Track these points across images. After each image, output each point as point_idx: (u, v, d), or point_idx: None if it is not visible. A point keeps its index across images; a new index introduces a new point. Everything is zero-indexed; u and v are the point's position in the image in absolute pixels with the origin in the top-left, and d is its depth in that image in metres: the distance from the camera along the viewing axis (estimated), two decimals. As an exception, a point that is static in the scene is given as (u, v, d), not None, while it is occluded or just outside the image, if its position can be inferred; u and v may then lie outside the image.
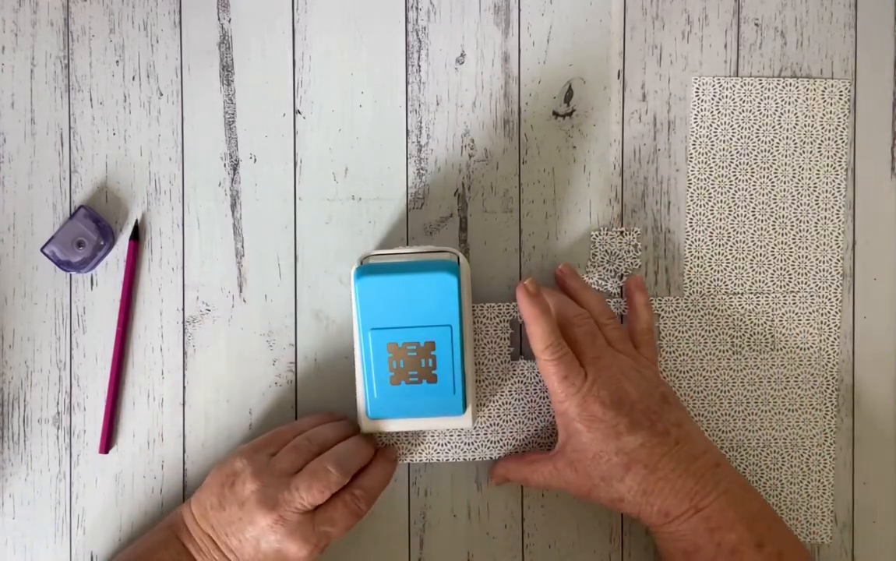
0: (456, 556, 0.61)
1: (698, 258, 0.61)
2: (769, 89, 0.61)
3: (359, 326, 0.54)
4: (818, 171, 0.61)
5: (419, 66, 0.61)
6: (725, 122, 0.61)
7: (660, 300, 0.61)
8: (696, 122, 0.61)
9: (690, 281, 0.61)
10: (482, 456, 0.61)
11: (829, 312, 0.61)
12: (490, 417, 0.61)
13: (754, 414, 0.61)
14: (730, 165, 0.61)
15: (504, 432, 0.61)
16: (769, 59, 0.61)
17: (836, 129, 0.61)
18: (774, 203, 0.61)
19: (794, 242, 0.61)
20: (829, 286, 0.61)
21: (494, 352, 0.61)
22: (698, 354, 0.61)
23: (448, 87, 0.61)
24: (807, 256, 0.61)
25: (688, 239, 0.61)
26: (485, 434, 0.61)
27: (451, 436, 0.61)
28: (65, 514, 0.60)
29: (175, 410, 0.61)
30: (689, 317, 0.61)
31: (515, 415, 0.61)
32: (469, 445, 0.61)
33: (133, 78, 0.61)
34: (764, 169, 0.61)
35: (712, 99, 0.61)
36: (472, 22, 0.61)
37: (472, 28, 0.61)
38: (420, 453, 0.61)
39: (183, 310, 0.61)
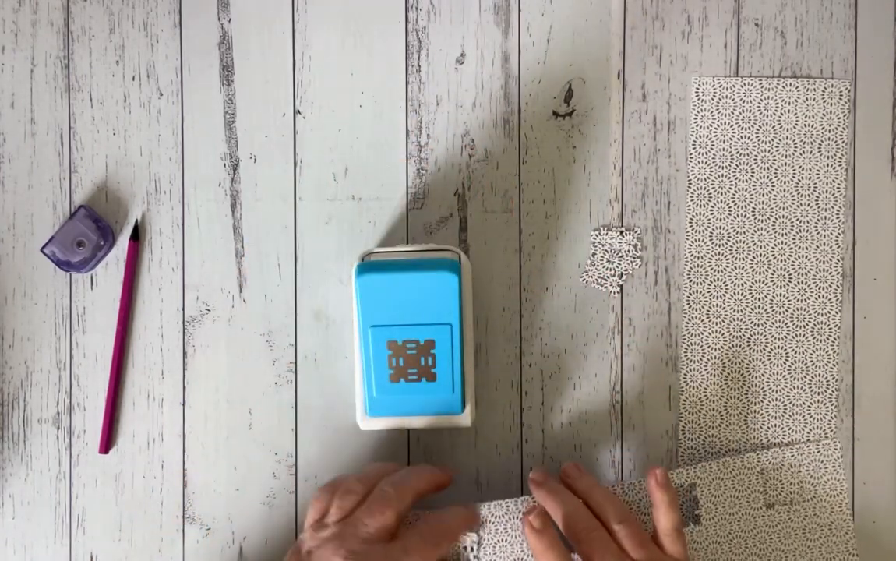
0: (456, 556, 0.61)
1: (698, 258, 0.61)
2: (769, 89, 0.61)
3: (359, 323, 0.54)
4: (818, 171, 0.61)
5: (419, 66, 0.61)
6: (725, 122, 0.61)
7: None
8: (696, 122, 0.61)
9: (690, 281, 0.61)
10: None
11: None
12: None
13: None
14: (730, 165, 0.61)
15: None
16: (769, 60, 0.61)
17: (836, 129, 0.61)
18: (774, 203, 0.61)
19: (794, 242, 0.61)
20: (829, 286, 0.61)
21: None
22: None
23: (448, 87, 0.61)
24: (807, 256, 0.61)
25: (688, 239, 0.61)
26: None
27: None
28: (65, 514, 0.60)
29: (175, 410, 0.61)
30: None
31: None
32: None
33: (133, 78, 0.61)
34: (764, 169, 0.61)
35: (712, 99, 0.61)
36: (472, 22, 0.61)
37: (472, 28, 0.61)
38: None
39: (183, 310, 0.61)
